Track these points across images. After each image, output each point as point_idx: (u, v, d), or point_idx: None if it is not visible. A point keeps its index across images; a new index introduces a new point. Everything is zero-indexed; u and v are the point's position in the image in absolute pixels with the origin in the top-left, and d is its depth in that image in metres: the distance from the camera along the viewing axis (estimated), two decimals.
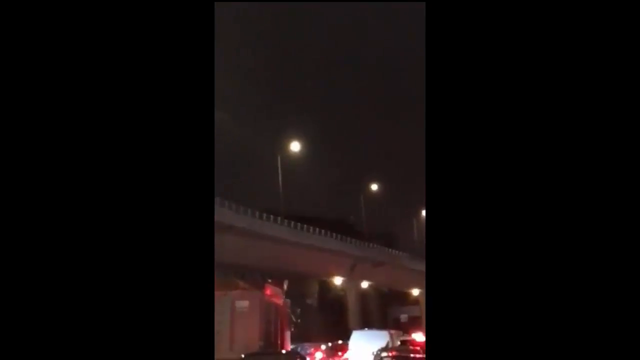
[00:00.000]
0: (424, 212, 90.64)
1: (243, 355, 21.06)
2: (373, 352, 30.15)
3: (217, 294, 28.99)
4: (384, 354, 27.30)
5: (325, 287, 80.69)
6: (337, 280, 73.52)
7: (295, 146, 66.19)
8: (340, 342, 50.80)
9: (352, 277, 74.11)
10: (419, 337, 33.98)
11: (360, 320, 75.80)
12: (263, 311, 29.75)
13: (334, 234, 70.07)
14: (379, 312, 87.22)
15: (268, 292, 32.09)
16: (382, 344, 32.07)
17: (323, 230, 68.40)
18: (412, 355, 25.73)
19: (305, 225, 66.28)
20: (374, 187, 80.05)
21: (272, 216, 61.29)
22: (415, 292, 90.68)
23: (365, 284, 77.96)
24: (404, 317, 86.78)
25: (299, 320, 43.33)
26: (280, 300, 34.21)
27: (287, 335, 33.54)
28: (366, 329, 41.28)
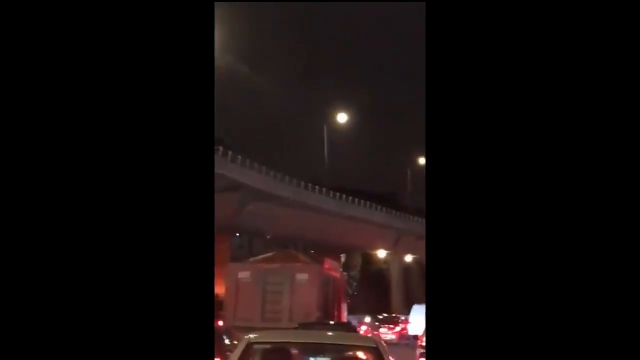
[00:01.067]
0: None
1: (297, 325, 21.46)
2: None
3: (276, 266, 30.92)
4: None
5: (369, 260, 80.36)
6: (381, 253, 73.20)
7: (342, 117, 65.80)
8: (393, 315, 50.69)
9: (396, 251, 73.82)
10: None
11: (402, 294, 75.60)
12: (321, 284, 30.34)
13: (379, 207, 69.73)
14: (421, 286, 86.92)
15: (327, 265, 32.62)
16: None
17: (368, 202, 68.11)
18: None
19: (350, 197, 65.96)
20: (421, 160, 79.51)
21: (317, 187, 61.00)
22: None
23: (409, 258, 77.61)
24: None
25: (355, 293, 43.72)
26: (337, 274, 34.82)
27: (344, 307, 34.19)
28: (421, 304, 41.76)
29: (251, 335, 9.68)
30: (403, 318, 50.48)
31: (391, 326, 45.29)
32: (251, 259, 35.02)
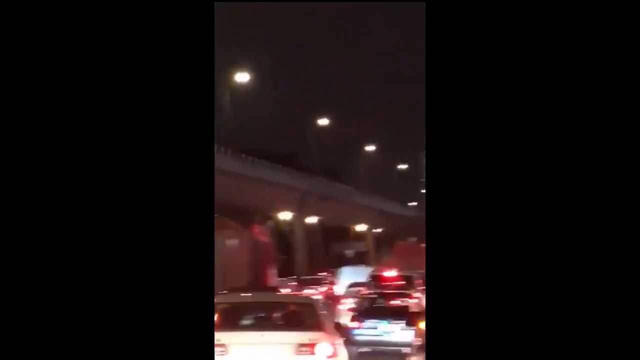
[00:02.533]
0: (368, 147, 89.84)
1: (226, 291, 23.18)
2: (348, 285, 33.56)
3: None
4: (351, 289, 29.60)
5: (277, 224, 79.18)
6: (286, 216, 71.96)
7: (242, 77, 63.87)
8: (317, 276, 53.87)
9: (301, 212, 72.83)
10: (389, 272, 34.74)
11: (306, 256, 74.76)
12: (251, 249, 31.41)
13: (283, 167, 68.60)
14: (324, 248, 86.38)
15: (256, 230, 34.19)
16: (364, 278, 35.06)
17: (270, 163, 66.80)
18: (384, 291, 26.35)
19: (251, 157, 64.39)
20: (323, 121, 78.44)
21: (222, 148, 58.99)
22: (362, 227, 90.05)
23: (313, 219, 76.83)
24: (349, 253, 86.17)
25: (285, 257, 45.54)
26: (266, 239, 36.14)
27: (273, 271, 35.23)
28: (349, 266, 47.21)
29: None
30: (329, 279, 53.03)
31: (316, 287, 47.08)
32: None
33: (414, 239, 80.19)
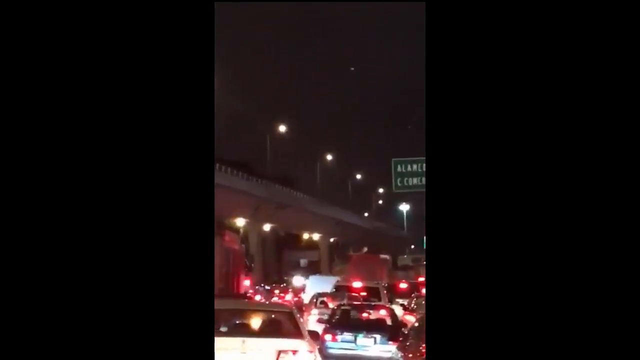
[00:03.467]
0: (327, 156, 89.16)
1: None
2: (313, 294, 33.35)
3: None
4: (320, 299, 29.61)
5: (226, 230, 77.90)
6: (239, 222, 70.73)
7: None
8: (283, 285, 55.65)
9: (256, 219, 71.72)
10: (357, 283, 34.19)
11: (260, 264, 73.69)
12: (223, 256, 31.11)
13: (240, 173, 67.48)
14: (277, 256, 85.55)
15: (227, 237, 33.77)
16: (330, 288, 34.88)
17: (228, 168, 65.61)
18: (359, 302, 26.02)
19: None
20: (282, 128, 77.53)
21: None
22: (315, 236, 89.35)
23: (267, 227, 75.84)
24: (303, 262, 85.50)
25: (252, 265, 46.29)
26: (237, 246, 36.29)
27: (243, 279, 35.76)
28: (318, 274, 49.50)
29: None
30: (298, 286, 53.93)
31: (282, 295, 48.44)
32: None
33: (365, 249, 79.69)
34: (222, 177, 64.35)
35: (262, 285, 55.46)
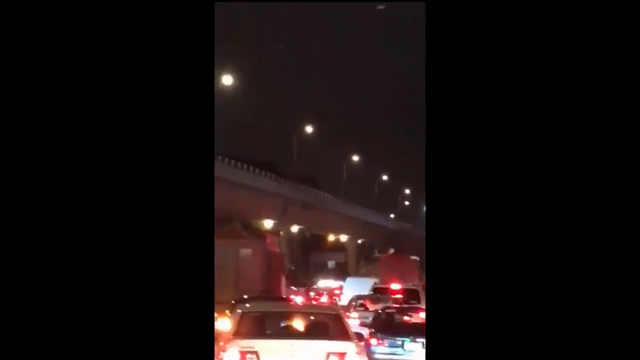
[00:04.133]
0: (353, 157, 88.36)
1: (233, 301, 24.00)
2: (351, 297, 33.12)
3: (221, 241, 32.29)
4: (359, 301, 29.80)
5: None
6: (267, 224, 69.97)
7: (227, 80, 61.73)
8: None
9: (283, 221, 70.98)
10: (395, 285, 34.31)
11: (287, 267, 72.97)
12: (264, 258, 32.46)
13: (267, 173, 66.75)
14: (304, 258, 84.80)
15: (268, 240, 35.10)
16: (367, 290, 35.01)
17: (256, 168, 64.82)
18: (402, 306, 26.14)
19: (233, 161, 62.12)
20: (308, 129, 76.69)
21: None
22: (343, 238, 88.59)
23: (295, 228, 75.10)
24: (331, 264, 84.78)
25: (292, 268, 47.86)
26: (277, 249, 37.60)
27: (283, 281, 36.60)
28: (354, 277, 49.62)
29: (243, 307, 13.36)
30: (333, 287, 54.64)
31: (316, 297, 48.99)
32: None
33: (391, 250, 78.90)
34: (248, 177, 63.61)
35: (293, 287, 56.33)
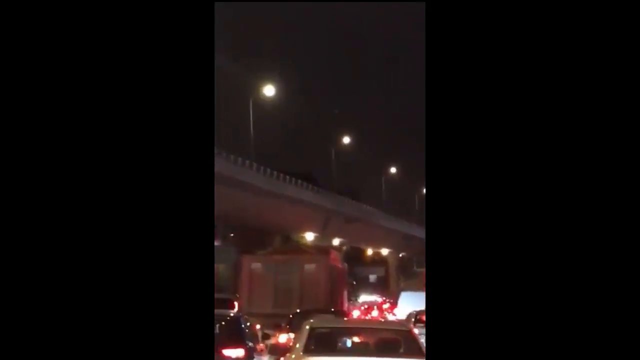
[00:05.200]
0: (392, 169, 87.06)
1: (291, 315, 25.02)
2: (409, 313, 33.57)
3: (285, 257, 34.89)
4: (418, 317, 29.87)
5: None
6: (309, 237, 68.63)
7: (269, 90, 60.47)
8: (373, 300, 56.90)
9: (325, 234, 69.61)
10: None
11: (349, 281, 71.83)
12: (327, 273, 33.38)
13: (309, 185, 65.42)
14: (349, 272, 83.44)
15: (332, 256, 35.95)
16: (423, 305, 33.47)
17: (298, 180, 63.44)
18: None
19: (275, 172, 60.65)
20: (346, 140, 75.39)
21: (243, 160, 55.15)
22: (384, 251, 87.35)
23: (336, 241, 73.82)
24: (372, 278, 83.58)
25: (354, 282, 48.32)
26: (340, 264, 38.22)
27: (345, 295, 37.51)
28: (408, 291, 48.18)
29: (312, 322, 12.76)
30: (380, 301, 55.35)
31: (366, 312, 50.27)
32: (261, 251, 38.45)
33: None
34: (290, 189, 62.25)
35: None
